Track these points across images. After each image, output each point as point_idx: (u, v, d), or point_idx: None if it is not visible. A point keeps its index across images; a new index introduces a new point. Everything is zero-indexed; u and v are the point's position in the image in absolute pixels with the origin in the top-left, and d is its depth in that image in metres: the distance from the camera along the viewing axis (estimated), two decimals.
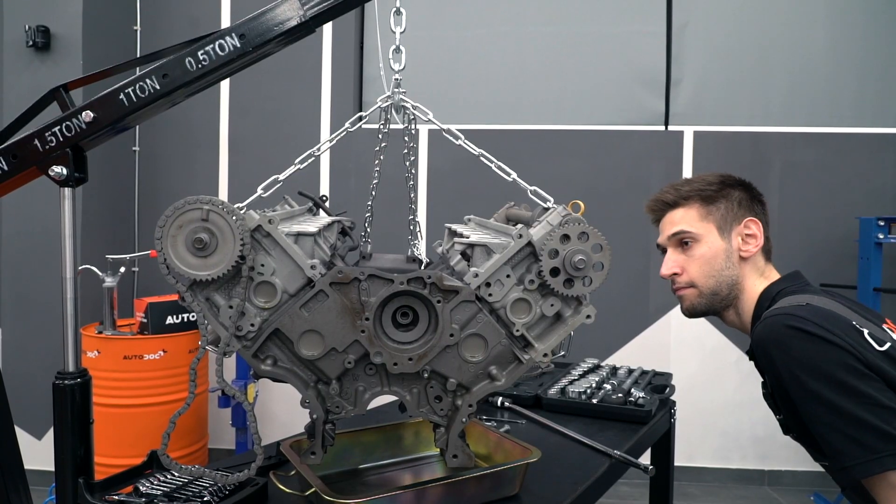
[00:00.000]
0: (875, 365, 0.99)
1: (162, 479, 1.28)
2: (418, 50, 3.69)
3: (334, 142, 1.31)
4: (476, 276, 1.04)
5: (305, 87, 3.62)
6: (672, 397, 2.02)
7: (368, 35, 3.70)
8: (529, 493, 1.35)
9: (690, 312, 1.30)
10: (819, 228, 3.41)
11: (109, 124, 1.15)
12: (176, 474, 1.30)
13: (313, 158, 1.27)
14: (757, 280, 1.26)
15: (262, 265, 1.01)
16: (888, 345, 1.03)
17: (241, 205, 1.11)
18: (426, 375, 1.06)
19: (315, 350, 1.02)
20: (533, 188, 1.21)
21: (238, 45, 1.27)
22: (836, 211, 3.39)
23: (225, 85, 3.62)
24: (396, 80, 1.36)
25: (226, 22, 3.61)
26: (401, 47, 1.38)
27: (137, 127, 3.59)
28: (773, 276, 1.28)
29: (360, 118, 1.35)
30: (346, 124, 1.33)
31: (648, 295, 3.53)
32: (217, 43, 1.27)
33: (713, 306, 1.27)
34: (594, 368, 2.23)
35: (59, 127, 1.13)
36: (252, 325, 1.01)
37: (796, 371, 1.02)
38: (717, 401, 3.51)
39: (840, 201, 3.42)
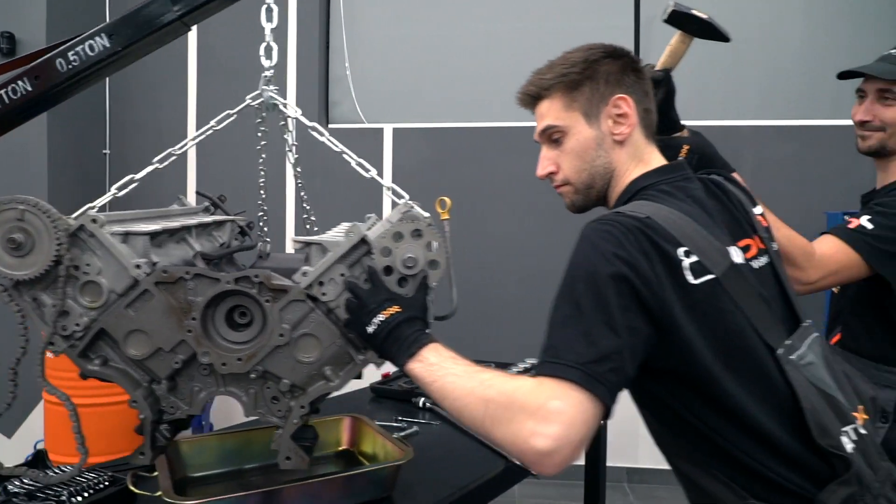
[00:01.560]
0: (657, 299, 0.86)
1: (32, 478, 1.28)
2: (386, 47, 3.68)
3: (198, 140, 1.30)
4: (305, 274, 1.03)
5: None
6: None
7: (334, 34, 3.70)
8: (406, 495, 1.33)
9: (573, 209, 1.17)
10: (790, 223, 3.32)
11: None
12: (50, 473, 1.30)
13: (174, 157, 1.26)
14: (633, 166, 1.08)
15: (88, 265, 1.01)
16: (709, 277, 0.90)
17: (92, 204, 1.11)
18: (254, 376, 1.04)
19: (141, 350, 1.02)
20: (389, 185, 1.19)
21: (108, 45, 1.27)
22: (808, 206, 3.30)
23: (192, 85, 3.65)
24: (265, 77, 1.35)
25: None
26: (272, 44, 1.37)
27: (108, 129, 3.64)
28: (654, 161, 1.10)
29: (228, 115, 1.34)
30: (212, 122, 1.32)
31: None
32: (87, 44, 1.28)
33: (591, 201, 1.13)
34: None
35: None
36: (77, 324, 1.01)
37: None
38: None
39: (811, 196, 3.33)
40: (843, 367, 1.01)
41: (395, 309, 0.98)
